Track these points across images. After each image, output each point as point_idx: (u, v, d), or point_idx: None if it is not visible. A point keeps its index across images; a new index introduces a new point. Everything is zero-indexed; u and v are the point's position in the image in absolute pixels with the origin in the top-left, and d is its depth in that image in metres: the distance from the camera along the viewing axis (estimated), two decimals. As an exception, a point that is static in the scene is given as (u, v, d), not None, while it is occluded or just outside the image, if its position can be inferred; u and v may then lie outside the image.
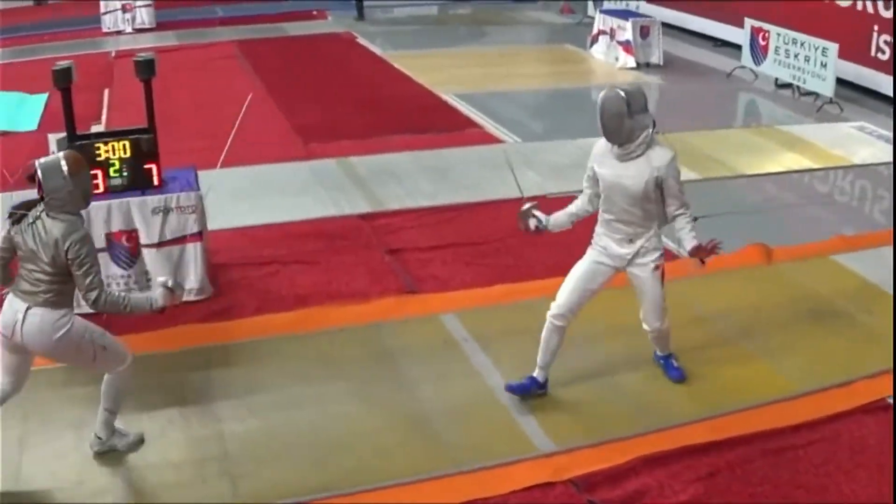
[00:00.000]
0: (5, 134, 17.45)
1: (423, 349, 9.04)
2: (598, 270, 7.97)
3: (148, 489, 7.34)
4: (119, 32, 27.18)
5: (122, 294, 7.18)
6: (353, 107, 17.53)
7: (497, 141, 15.48)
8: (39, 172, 6.85)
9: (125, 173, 9.77)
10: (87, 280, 6.82)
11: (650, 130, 7.61)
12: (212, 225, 10.45)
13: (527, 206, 8.15)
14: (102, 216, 9.68)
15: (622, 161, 7.67)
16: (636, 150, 7.62)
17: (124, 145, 9.72)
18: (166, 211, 9.73)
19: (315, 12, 28.89)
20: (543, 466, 7.38)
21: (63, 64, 9.76)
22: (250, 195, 12.73)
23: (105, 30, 27.51)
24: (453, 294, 10.11)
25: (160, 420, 8.05)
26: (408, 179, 13.43)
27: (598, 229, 8.01)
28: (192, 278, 9.93)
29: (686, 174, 12.17)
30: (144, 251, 9.83)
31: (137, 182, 9.79)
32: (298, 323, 9.60)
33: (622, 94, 7.52)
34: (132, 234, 9.78)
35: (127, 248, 9.79)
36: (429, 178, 13.37)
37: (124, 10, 27.56)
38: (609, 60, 21.74)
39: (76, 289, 6.96)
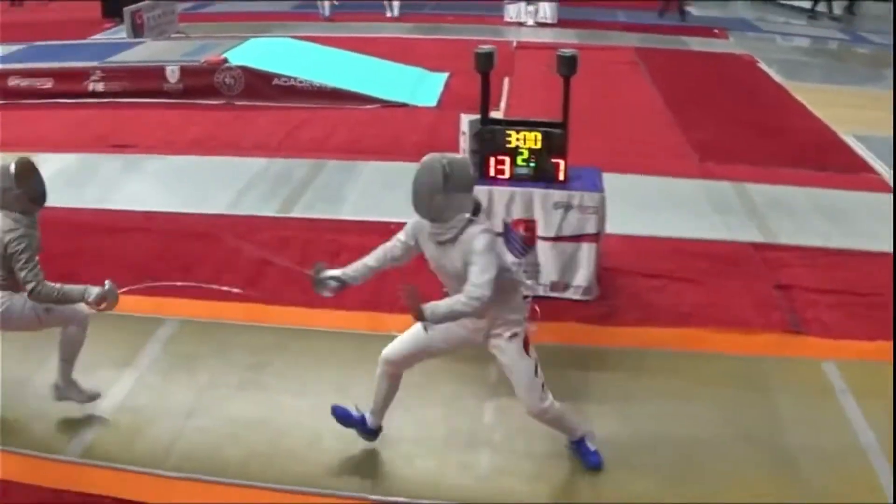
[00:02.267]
0: (405, 106, 18.07)
1: (797, 391, 8.67)
2: (451, 331, 7.01)
3: (505, 472, 7.43)
4: (521, 24, 27.71)
5: (57, 286, 7.48)
6: (751, 131, 17.06)
7: (892, 191, 14.79)
8: None
9: (532, 164, 9.86)
10: (23, 274, 7.40)
11: (466, 216, 6.58)
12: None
13: (316, 271, 7.27)
14: (504, 202, 9.82)
15: (436, 243, 6.74)
16: (446, 234, 6.63)
17: (536, 136, 9.80)
18: (568, 207, 9.73)
19: (717, 31, 28.49)
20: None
21: (486, 48, 9.93)
22: (642, 205, 12.62)
23: (507, 19, 28.14)
24: (837, 342, 9.63)
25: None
26: (801, 215, 12.94)
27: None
28: (581, 277, 9.91)
29: None
30: (539, 243, 9.88)
31: (543, 175, 9.85)
32: (679, 341, 9.40)
33: (443, 164, 6.51)
34: (530, 225, 9.85)
35: (522, 238, 9.88)
36: (823, 217, 12.86)
37: (528, 1, 28.02)
38: None
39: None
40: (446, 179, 6.47)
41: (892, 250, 11.31)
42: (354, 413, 7.66)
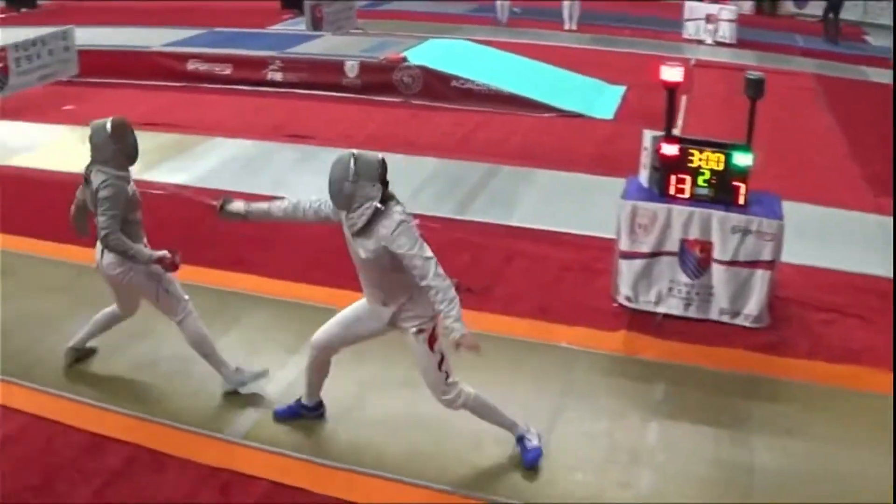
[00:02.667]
0: (581, 117, 18.06)
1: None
2: (371, 316, 7.50)
3: (666, 495, 7.37)
4: (699, 42, 27.39)
5: (129, 243, 7.94)
6: (928, 169, 16.64)
7: None
8: (90, 131, 8.02)
9: (713, 185, 9.79)
10: (102, 219, 7.87)
11: (374, 204, 6.90)
12: (777, 256, 10.22)
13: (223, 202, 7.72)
14: (682, 221, 9.75)
15: (351, 233, 7.13)
16: (357, 222, 6.99)
17: (719, 158, 9.73)
18: (745, 232, 9.61)
19: (897, 61, 27.79)
20: None
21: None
22: (815, 235, 12.35)
23: (685, 36, 27.87)
24: None
25: (693, 435, 8.09)
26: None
27: None
28: (753, 305, 9.77)
29: None
30: (714, 266, 9.77)
31: (723, 196, 9.77)
32: (847, 378, 9.17)
33: (351, 156, 6.99)
34: (706, 246, 9.76)
35: (697, 259, 9.79)
36: None
37: (708, 20, 27.71)
38: None
39: (136, 233, 8.14)
40: (354, 168, 6.90)
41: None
42: (292, 406, 8.15)
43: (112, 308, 8.70)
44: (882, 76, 25.49)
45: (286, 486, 7.31)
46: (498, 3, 28.87)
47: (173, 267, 8.10)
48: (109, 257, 8.08)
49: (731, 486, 7.48)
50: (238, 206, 7.70)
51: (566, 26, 28.66)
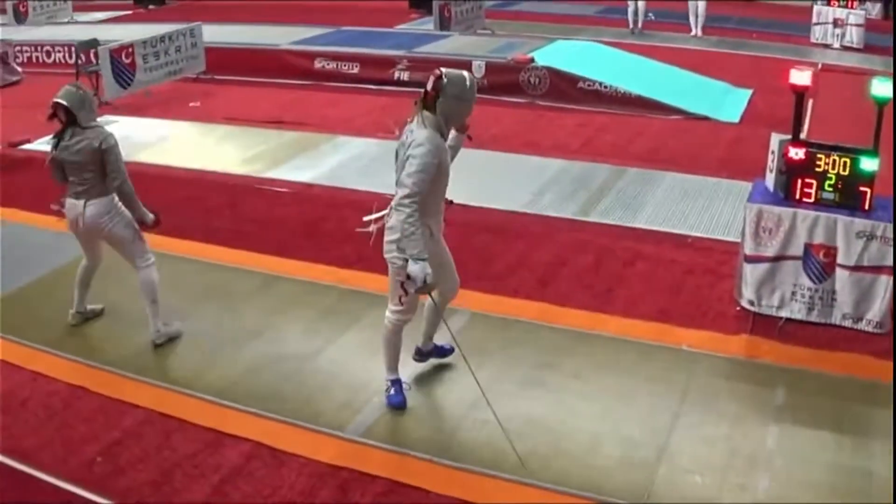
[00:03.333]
0: (707, 120, 17.93)
1: None
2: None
3: (784, 499, 7.33)
4: (826, 46, 26.91)
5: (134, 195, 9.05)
6: None
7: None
8: (66, 102, 8.80)
9: (839, 189, 9.74)
10: (121, 167, 8.91)
11: None
12: None
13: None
14: (807, 225, 9.70)
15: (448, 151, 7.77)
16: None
17: (846, 162, 9.68)
18: (870, 237, 9.52)
19: None
20: None
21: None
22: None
23: (812, 40, 27.32)
24: None
25: (812, 439, 8.04)
26: None
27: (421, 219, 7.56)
28: (876, 310, 9.67)
29: None
30: (837, 271, 9.71)
31: (848, 201, 9.70)
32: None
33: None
34: (830, 251, 9.70)
35: (822, 264, 9.74)
36: None
37: (835, 24, 27.18)
38: None
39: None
40: None
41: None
42: (399, 397, 8.40)
43: (83, 265, 9.70)
44: None
45: (405, 485, 7.42)
46: (630, 5, 28.46)
47: (145, 228, 9.31)
48: (93, 209, 9.02)
49: (850, 491, 7.43)
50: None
51: (692, 32, 28.24)
